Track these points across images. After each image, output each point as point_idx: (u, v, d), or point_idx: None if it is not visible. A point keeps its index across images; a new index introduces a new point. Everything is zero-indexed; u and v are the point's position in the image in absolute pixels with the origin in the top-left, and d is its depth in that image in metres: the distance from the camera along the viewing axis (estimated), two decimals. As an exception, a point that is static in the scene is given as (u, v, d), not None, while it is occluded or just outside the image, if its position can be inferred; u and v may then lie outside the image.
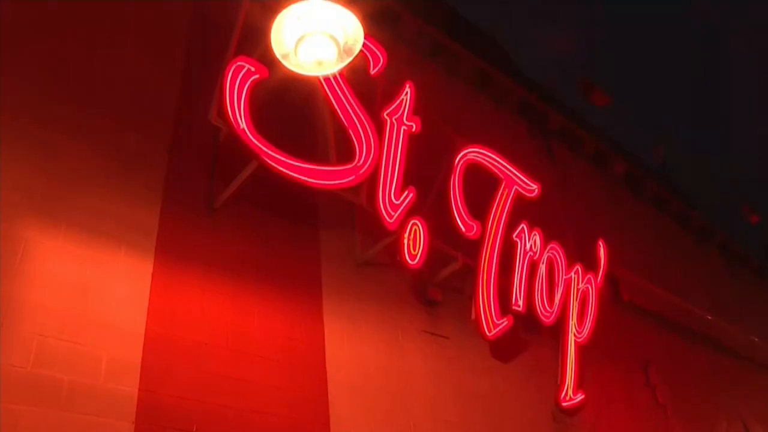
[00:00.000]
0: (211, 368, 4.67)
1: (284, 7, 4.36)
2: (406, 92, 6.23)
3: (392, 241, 5.87)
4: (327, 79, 5.47)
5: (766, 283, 16.78)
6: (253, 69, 4.99)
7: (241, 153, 4.94)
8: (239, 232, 5.42)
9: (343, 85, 5.59)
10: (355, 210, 6.13)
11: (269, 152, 4.95)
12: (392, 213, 5.78)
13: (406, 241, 5.82)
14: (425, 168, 6.32)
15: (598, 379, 8.07)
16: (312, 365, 5.31)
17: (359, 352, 5.69)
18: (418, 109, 6.24)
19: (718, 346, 12.04)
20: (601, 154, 11.53)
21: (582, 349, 7.51)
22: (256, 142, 4.90)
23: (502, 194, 6.98)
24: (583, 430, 7.54)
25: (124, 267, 4.59)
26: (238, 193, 5.28)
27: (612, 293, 9.20)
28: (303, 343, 5.35)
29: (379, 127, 5.85)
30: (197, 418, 4.42)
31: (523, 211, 7.18)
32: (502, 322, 6.34)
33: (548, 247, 7.32)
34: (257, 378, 4.90)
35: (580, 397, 7.35)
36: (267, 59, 4.86)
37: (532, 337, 7.15)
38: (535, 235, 7.18)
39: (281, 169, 5.00)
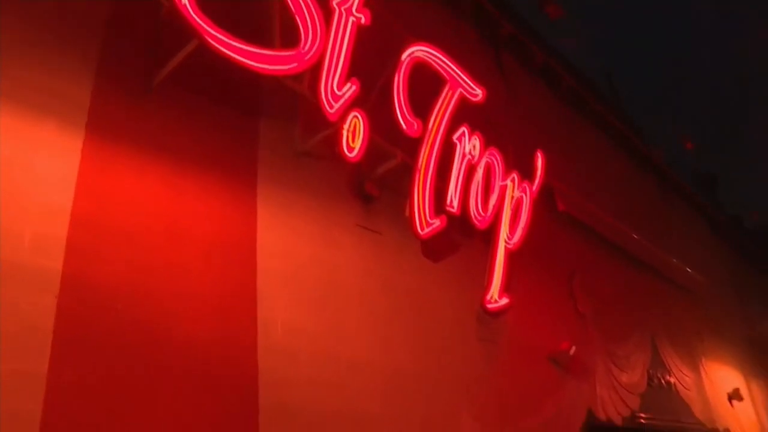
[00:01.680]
0: (141, 250, 4.72)
1: None
2: (358, -18, 6.10)
3: (332, 132, 5.90)
4: (276, -38, 5.33)
5: (694, 210, 17.66)
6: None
7: (183, 32, 4.79)
8: (177, 115, 5.32)
9: (292, -32, 5.45)
10: (297, 100, 6.10)
11: (211, 31, 4.82)
12: (333, 103, 5.78)
13: (345, 133, 5.86)
14: (371, 62, 6.28)
15: (524, 286, 8.48)
16: (243, 252, 5.42)
17: (292, 242, 5.82)
18: (369, 2, 6.14)
19: (640, 265, 12.75)
20: (550, 68, 11.65)
21: (511, 255, 7.84)
22: (197, 19, 4.75)
23: (446, 95, 7.03)
24: (505, 332, 7.99)
25: (52, 142, 4.48)
26: (178, 77, 5.14)
27: (547, 203, 9.54)
28: (235, 230, 5.43)
29: (327, 16, 5.75)
30: (123, 298, 4.49)
31: (465, 114, 7.27)
32: (435, 222, 6.52)
33: (487, 153, 7.48)
34: (187, 262, 4.99)
35: (504, 300, 7.74)
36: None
37: (464, 239, 7.37)
38: (475, 139, 7.32)
39: (222, 49, 4.88)
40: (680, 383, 12.70)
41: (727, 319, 17.47)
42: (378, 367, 6.12)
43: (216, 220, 5.30)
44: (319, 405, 5.43)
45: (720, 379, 15.05)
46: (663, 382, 12.09)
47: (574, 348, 8.85)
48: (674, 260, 14.07)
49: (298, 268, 5.77)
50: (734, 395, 15.16)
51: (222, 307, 5.08)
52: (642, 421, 10.60)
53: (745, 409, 15.74)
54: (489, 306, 7.72)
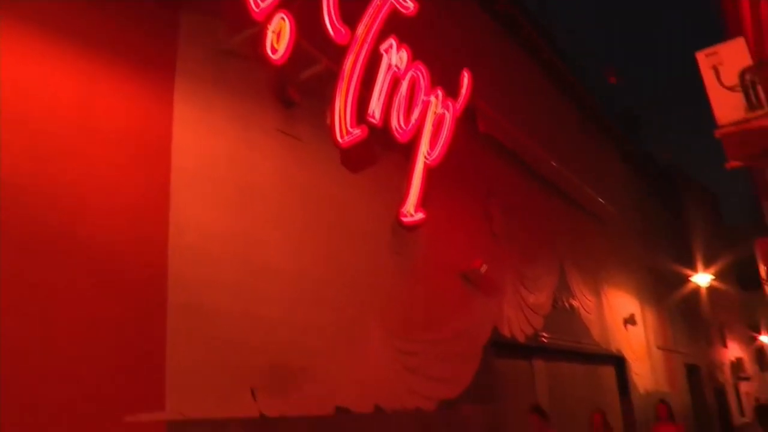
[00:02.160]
0: (44, 138, 4.49)
1: None
2: None
3: (257, 32, 5.73)
4: None
5: (611, 143, 18.28)
6: None
7: None
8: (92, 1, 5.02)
9: None
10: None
11: None
12: (260, 2, 5.62)
13: (270, 34, 5.71)
14: (302, -37, 6.08)
15: (441, 202, 8.68)
16: (157, 148, 5.24)
17: (209, 142, 5.68)
18: None
19: (556, 191, 13.21)
20: (484, -12, 11.56)
21: (429, 171, 7.96)
22: None
23: (377, 5, 6.91)
24: (419, 247, 8.18)
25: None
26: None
27: (470, 123, 9.66)
28: (150, 125, 5.23)
29: None
30: (24, 189, 4.29)
31: (396, 26, 7.18)
32: (356, 132, 6.52)
33: (413, 67, 7.46)
34: (96, 154, 4.79)
35: (420, 215, 7.92)
36: None
37: (384, 152, 7.41)
38: (403, 52, 7.27)
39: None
40: (582, 307, 13.46)
41: (631, 249, 18.47)
42: (289, 272, 6.17)
43: (129, 112, 5.09)
44: (227, 307, 5.47)
45: (618, 304, 16.03)
46: (567, 305, 12.76)
47: (485, 266, 9.18)
48: (588, 189, 14.62)
49: (214, 169, 5.66)
50: (629, 320, 16.22)
51: (132, 205, 4.95)
52: (544, 340, 11.23)
53: (636, 333, 16.90)
54: (404, 220, 7.89)
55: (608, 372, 15.17)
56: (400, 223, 7.85)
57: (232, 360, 5.37)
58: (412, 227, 8.00)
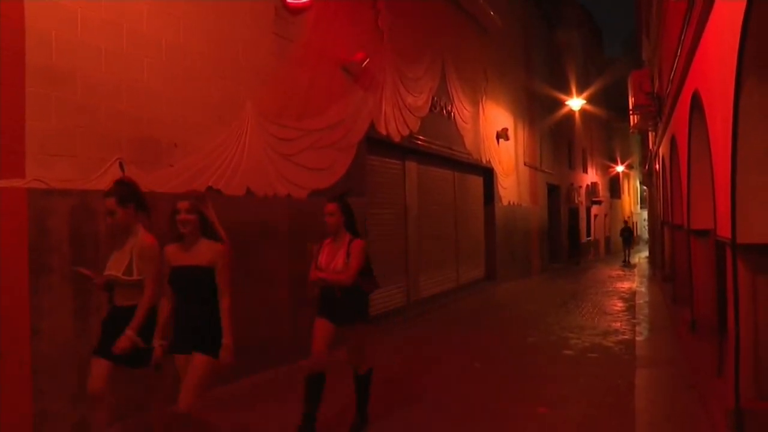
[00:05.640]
0: None
1: None
2: None
3: None
4: None
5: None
6: None
7: None
8: None
9: None
10: None
11: None
12: None
13: None
14: None
15: (328, -13, 8.39)
16: None
17: None
18: None
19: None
20: None
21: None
22: None
23: None
24: (303, 33, 7.97)
25: None
26: None
27: None
28: None
29: None
30: None
31: None
32: None
33: None
34: None
35: None
36: None
37: None
38: None
39: None
40: (459, 115, 13.92)
41: (512, 65, 18.98)
42: (164, 44, 5.88)
43: None
44: (98, 74, 5.20)
45: (493, 118, 16.74)
46: (444, 111, 13.15)
47: (367, 60, 9.16)
48: (479, -2, 14.62)
49: None
50: (502, 134, 17.06)
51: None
52: (418, 142, 11.64)
53: (507, 148, 17.88)
54: (289, 1, 7.63)
55: (476, 182, 16.17)
56: (285, 5, 7.58)
57: (99, 130, 5.21)
58: (297, 10, 7.74)
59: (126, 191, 4.10)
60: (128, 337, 3.90)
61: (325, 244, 5.07)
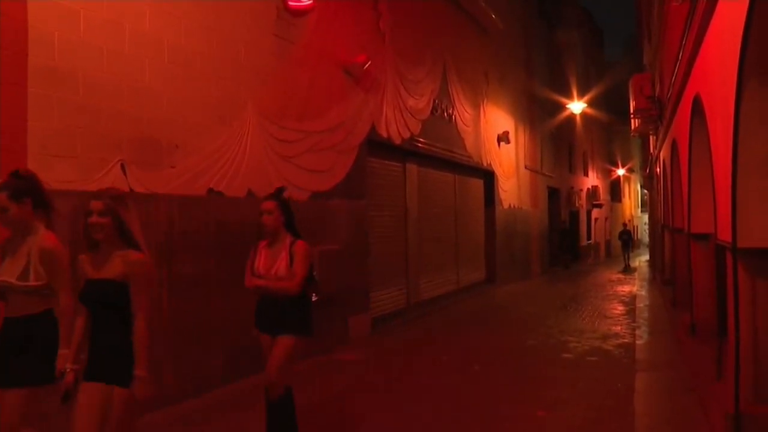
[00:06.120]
0: None
1: None
2: None
3: None
4: None
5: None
6: None
7: None
8: None
9: None
10: None
11: None
12: None
13: None
14: None
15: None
16: None
17: None
18: None
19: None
20: None
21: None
22: None
23: None
24: (304, 34, 7.98)
25: None
26: None
27: None
28: None
29: None
30: None
31: None
32: None
33: None
34: None
35: (307, 0, 7.72)
36: None
37: None
38: None
39: None
40: (460, 117, 13.94)
41: (513, 66, 18.98)
42: (166, 44, 5.90)
43: None
44: (99, 74, 5.21)
45: (494, 120, 16.75)
46: (445, 113, 13.16)
47: (369, 62, 9.17)
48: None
49: None
50: (503, 138, 17.07)
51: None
52: (419, 145, 11.64)
53: (508, 151, 17.89)
54: (291, 4, 7.64)
55: (477, 185, 16.18)
56: (287, 7, 7.60)
57: (100, 131, 5.22)
58: (300, 12, 7.76)
59: (22, 185, 3.50)
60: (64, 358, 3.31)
61: (260, 246, 4.47)
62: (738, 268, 4.30)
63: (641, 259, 30.12)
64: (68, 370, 3.24)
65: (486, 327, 10.90)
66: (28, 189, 3.52)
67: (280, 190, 4.59)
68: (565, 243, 24.80)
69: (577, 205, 27.87)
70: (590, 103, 27.51)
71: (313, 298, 4.47)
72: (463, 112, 14.11)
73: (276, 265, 4.31)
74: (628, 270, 24.68)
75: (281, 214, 4.40)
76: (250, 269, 4.43)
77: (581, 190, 29.44)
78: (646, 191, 30.04)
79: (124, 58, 5.47)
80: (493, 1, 15.78)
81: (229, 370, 6.56)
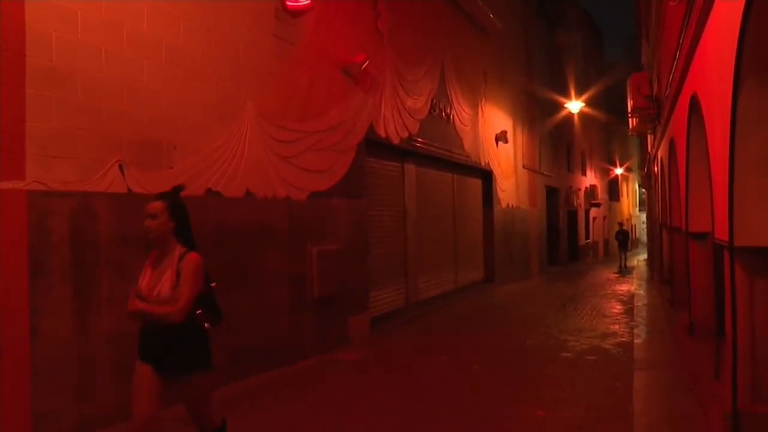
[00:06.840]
0: None
1: None
2: None
3: None
4: None
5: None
6: None
7: None
8: None
9: None
10: None
11: None
12: None
13: None
14: None
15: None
16: None
17: None
18: None
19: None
20: None
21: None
22: None
23: None
24: (303, 35, 7.98)
25: None
26: None
27: None
28: None
29: None
30: None
31: None
32: None
33: None
34: None
35: (306, 1, 7.72)
36: None
37: None
38: None
39: None
40: (458, 117, 13.94)
41: (512, 66, 19.00)
42: (165, 44, 5.89)
43: None
44: (96, 74, 5.20)
45: (493, 120, 16.76)
46: (443, 113, 13.17)
47: (368, 62, 9.17)
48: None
49: None
50: (501, 137, 17.08)
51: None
52: (417, 145, 11.65)
53: (506, 151, 17.90)
54: (289, 4, 7.64)
55: (475, 184, 16.19)
56: (285, 7, 7.60)
57: (100, 131, 5.21)
58: (297, 12, 7.76)
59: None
60: None
61: (148, 260, 3.64)
62: (735, 266, 4.31)
63: (639, 258, 30.09)
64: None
65: (485, 326, 10.91)
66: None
67: (176, 189, 3.77)
68: (552, 240, 24.58)
69: (575, 204, 27.87)
70: (589, 103, 27.53)
71: (206, 326, 3.59)
72: (461, 112, 14.12)
73: (160, 284, 3.50)
74: (623, 270, 24.40)
75: (170, 219, 3.59)
76: (134, 289, 3.58)
77: (579, 189, 29.46)
78: (644, 190, 30.02)
79: (123, 58, 5.46)
80: (493, 1, 15.79)
81: (229, 370, 6.56)
